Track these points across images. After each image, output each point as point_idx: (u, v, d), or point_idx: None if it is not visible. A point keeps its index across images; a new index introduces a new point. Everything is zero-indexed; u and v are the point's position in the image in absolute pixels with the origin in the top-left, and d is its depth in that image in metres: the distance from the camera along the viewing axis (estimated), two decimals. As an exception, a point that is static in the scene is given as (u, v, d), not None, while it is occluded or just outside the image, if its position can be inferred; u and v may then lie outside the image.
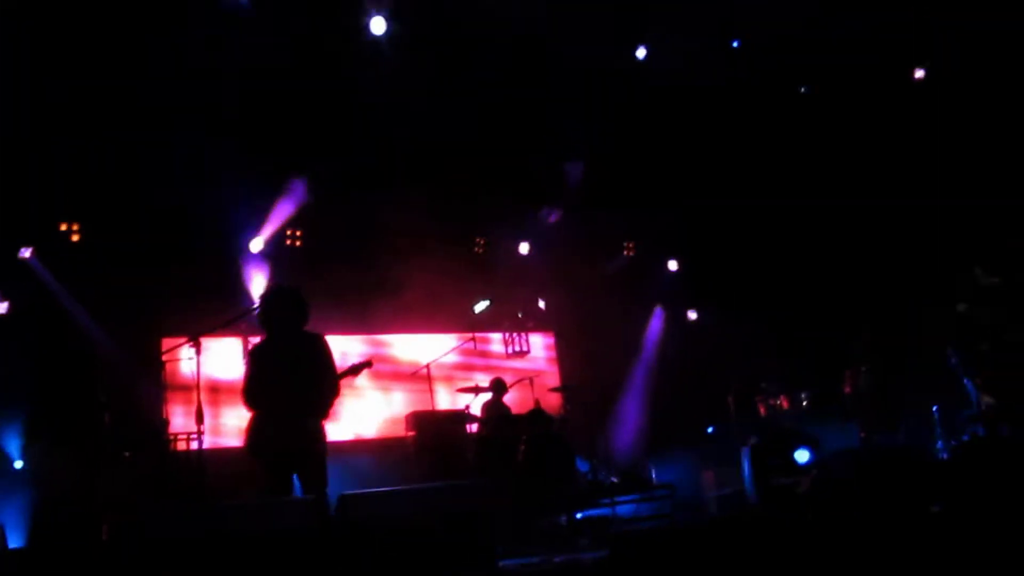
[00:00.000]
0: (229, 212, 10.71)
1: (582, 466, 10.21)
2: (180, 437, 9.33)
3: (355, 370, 7.10)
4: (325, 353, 6.63)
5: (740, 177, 11.97)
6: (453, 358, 11.84)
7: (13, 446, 8.91)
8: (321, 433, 6.55)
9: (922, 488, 5.95)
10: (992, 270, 7.43)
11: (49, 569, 5.74)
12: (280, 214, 11.25)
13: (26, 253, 9.88)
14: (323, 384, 6.55)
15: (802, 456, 8.47)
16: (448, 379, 11.85)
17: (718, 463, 10.51)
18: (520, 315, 12.99)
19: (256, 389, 6.46)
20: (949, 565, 4.43)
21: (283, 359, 6.50)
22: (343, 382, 6.86)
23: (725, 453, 10.26)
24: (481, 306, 12.31)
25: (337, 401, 6.65)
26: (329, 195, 11.24)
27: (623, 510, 9.49)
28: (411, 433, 10.55)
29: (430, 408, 10.72)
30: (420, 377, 10.81)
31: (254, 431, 6.38)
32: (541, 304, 13.05)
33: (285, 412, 6.35)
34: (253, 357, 6.63)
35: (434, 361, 10.80)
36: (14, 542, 6.54)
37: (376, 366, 7.13)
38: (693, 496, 10.28)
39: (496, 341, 13.10)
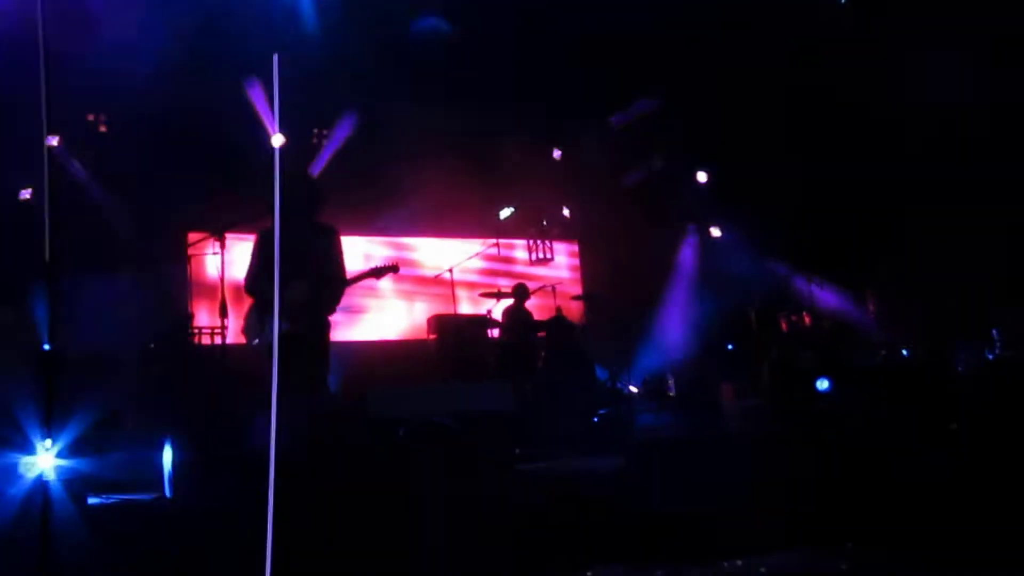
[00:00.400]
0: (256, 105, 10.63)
1: (601, 374, 10.26)
2: (204, 331, 9.41)
3: (378, 272, 6.82)
4: (336, 246, 6.39)
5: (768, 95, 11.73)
6: (477, 263, 11.83)
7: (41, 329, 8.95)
8: (326, 326, 6.31)
9: (941, 406, 5.95)
10: None
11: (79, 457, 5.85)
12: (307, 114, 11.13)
13: (53, 141, 9.82)
14: (332, 277, 6.32)
15: (822, 384, 8.48)
16: (471, 284, 11.86)
17: (737, 376, 10.53)
18: (544, 223, 12.94)
19: (260, 277, 6.18)
20: (965, 484, 4.44)
21: (291, 247, 6.29)
22: (365, 282, 6.77)
23: (745, 366, 10.28)
24: (506, 212, 12.27)
25: (343, 296, 6.40)
26: (355, 93, 11.12)
27: (641, 419, 9.55)
28: (433, 336, 10.61)
29: (452, 312, 10.75)
30: (443, 281, 10.81)
31: (255, 320, 6.19)
32: (565, 212, 12.97)
33: (289, 302, 6.06)
34: (259, 243, 6.31)
35: (457, 265, 10.78)
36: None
37: (400, 270, 6.97)
38: (711, 407, 10.32)
39: (520, 247, 13.10)
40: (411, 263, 12.08)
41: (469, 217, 12.33)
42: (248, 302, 6.42)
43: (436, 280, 11.11)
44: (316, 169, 10.87)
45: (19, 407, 5.52)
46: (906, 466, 4.59)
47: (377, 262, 7.16)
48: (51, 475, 5.31)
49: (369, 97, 11.17)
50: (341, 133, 11.50)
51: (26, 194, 9.47)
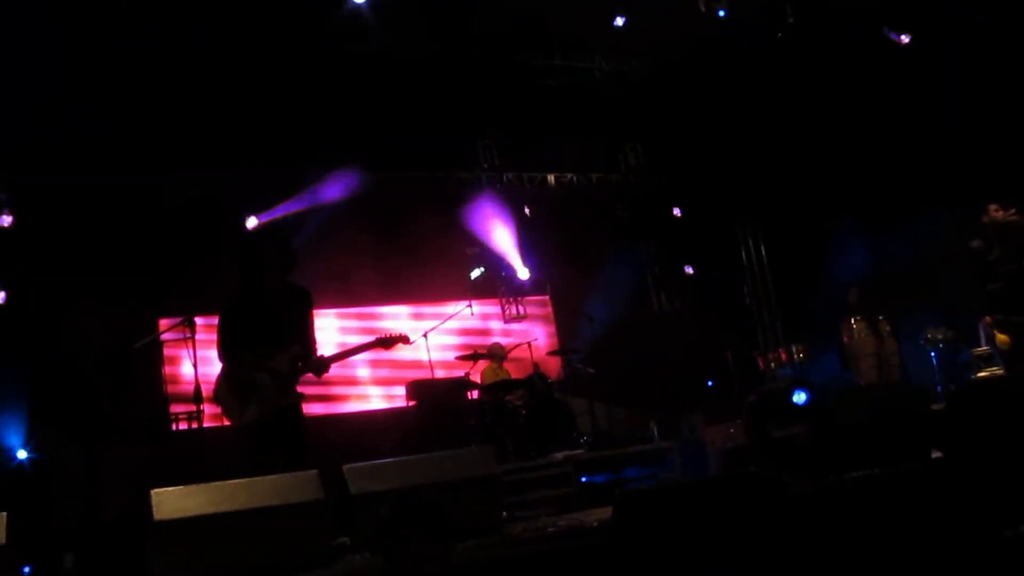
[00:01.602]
0: (225, 191, 10.65)
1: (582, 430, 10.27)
2: (181, 417, 9.33)
3: (386, 342, 6.46)
4: (311, 313, 6.12)
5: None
6: (451, 326, 11.80)
7: (14, 438, 8.82)
8: (299, 396, 6.01)
9: (923, 434, 5.95)
10: (1009, 204, 7.24)
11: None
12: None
13: (5, 222, 9.60)
14: (305, 340, 6.02)
15: (799, 397, 8.43)
16: (446, 348, 11.83)
17: (720, 419, 10.52)
18: (514, 280, 13.00)
19: (231, 339, 5.91)
20: (950, 514, 4.44)
21: (264, 306, 5.95)
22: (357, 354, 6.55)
23: (727, 409, 10.27)
24: (476, 273, 12.31)
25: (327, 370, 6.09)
26: (319, 169, 11.19)
27: (628, 471, 9.49)
28: (411, 403, 10.55)
29: (429, 377, 10.70)
30: (418, 347, 10.77)
31: (231, 398, 5.88)
32: (523, 274, 12.93)
33: (262, 365, 5.85)
34: (229, 304, 6.04)
35: (431, 330, 10.75)
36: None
37: (375, 337, 6.74)
38: (697, 453, 10.30)
39: (493, 307, 13.11)
40: (382, 331, 12.03)
41: (440, 281, 12.35)
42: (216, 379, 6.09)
43: (412, 345, 11.06)
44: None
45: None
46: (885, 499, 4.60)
47: (352, 337, 6.94)
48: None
49: (331, 164, 11.26)
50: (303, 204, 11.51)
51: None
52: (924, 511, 4.58)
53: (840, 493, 5.10)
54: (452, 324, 11.64)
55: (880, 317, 10.48)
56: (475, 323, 12.49)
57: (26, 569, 5.19)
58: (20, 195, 9.80)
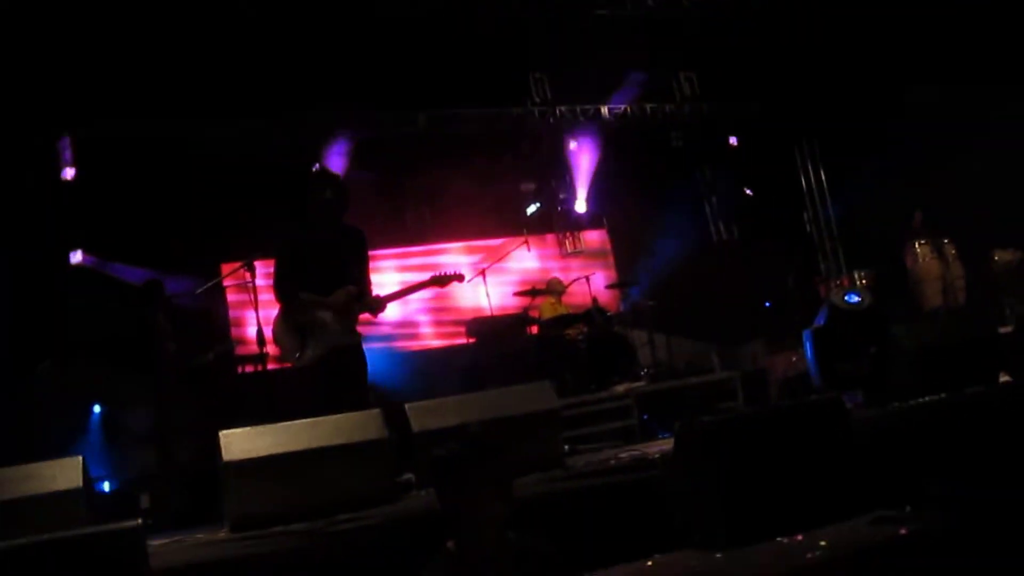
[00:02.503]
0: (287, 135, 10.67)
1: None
2: (248, 360, 9.47)
3: (441, 280, 6.51)
4: (366, 251, 6.15)
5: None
6: (509, 263, 11.79)
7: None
8: (357, 336, 6.04)
9: (990, 358, 5.86)
10: None
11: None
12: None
13: (69, 175, 9.72)
14: (360, 280, 6.04)
15: (852, 299, 8.33)
16: (505, 284, 11.83)
17: (782, 348, 10.43)
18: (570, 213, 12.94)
19: (287, 280, 5.94)
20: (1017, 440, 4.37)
21: (319, 248, 5.98)
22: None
23: (789, 338, 10.17)
24: (532, 208, 12.28)
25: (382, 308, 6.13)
26: (369, 108, 11.16)
27: (688, 399, 9.45)
28: (471, 339, 10.61)
29: (488, 314, 10.73)
30: (476, 284, 10.78)
31: (289, 336, 5.92)
32: (580, 207, 12.82)
33: (321, 304, 5.90)
34: (283, 246, 6.09)
35: (490, 266, 10.75)
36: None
37: (431, 275, 6.76)
38: (759, 382, 10.22)
39: (551, 242, 13.09)
40: (443, 268, 12.08)
41: (496, 218, 12.34)
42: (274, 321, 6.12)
43: (469, 283, 11.09)
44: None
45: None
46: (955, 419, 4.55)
47: (412, 274, 6.97)
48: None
49: (386, 104, 11.23)
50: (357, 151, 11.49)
51: (76, 257, 9.53)
52: (992, 434, 4.51)
53: (906, 419, 5.05)
54: (510, 261, 11.62)
55: (945, 240, 10.28)
56: (533, 259, 12.45)
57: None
58: (82, 148, 9.90)
